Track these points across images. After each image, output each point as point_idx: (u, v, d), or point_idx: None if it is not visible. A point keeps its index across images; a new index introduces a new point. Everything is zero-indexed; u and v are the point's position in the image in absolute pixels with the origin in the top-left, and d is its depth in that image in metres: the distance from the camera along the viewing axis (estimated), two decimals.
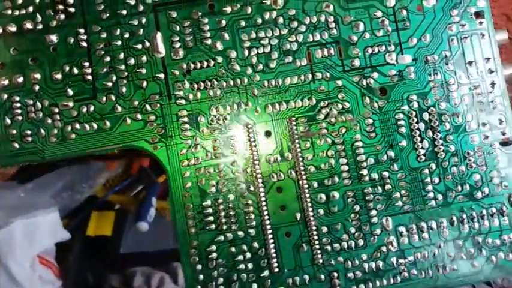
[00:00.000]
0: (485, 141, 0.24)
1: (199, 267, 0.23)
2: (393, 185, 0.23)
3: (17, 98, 0.23)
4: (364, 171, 0.23)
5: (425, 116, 0.24)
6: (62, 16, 0.23)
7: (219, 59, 0.23)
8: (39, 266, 0.54)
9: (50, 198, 0.56)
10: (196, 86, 0.23)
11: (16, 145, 0.23)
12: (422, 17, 0.24)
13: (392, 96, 0.24)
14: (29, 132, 0.23)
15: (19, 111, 0.23)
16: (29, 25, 0.23)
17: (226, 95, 0.23)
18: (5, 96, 0.23)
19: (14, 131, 0.23)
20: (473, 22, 0.24)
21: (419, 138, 0.24)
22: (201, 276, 0.23)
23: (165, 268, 0.74)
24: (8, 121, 0.23)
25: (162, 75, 0.23)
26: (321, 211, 0.23)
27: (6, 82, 0.23)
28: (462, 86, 0.24)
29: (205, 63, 0.23)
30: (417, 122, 0.24)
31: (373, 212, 0.23)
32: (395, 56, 0.24)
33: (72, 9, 0.23)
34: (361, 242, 0.23)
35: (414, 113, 0.24)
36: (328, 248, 0.23)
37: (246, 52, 0.24)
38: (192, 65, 0.23)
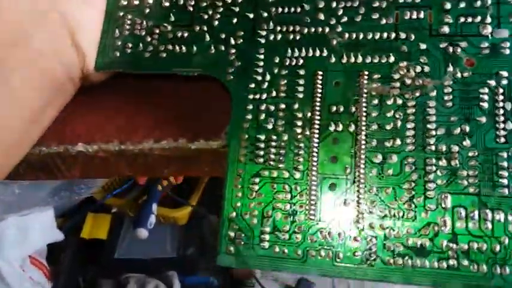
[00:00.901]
0: None
1: (239, 195, 0.23)
2: (461, 161, 0.21)
3: (129, 16, 0.27)
4: (432, 140, 0.22)
5: None
6: None
7: (306, 7, 0.25)
8: (30, 266, 0.51)
9: (46, 197, 0.54)
10: (279, 28, 0.25)
11: (117, 54, 0.27)
12: None
13: (480, 69, 0.22)
14: (130, 45, 0.27)
15: (128, 27, 0.27)
16: None
17: (304, 41, 0.24)
18: (121, 13, 0.27)
19: (119, 42, 0.27)
20: None
21: (502, 118, 0.21)
22: (239, 204, 0.23)
23: (160, 276, 0.71)
24: (117, 33, 0.27)
25: (251, 15, 0.25)
26: (374, 171, 0.22)
27: (125, 3, 0.27)
28: None
29: (293, 9, 0.25)
30: (503, 100, 0.21)
31: (431, 185, 0.21)
32: (491, 29, 0.22)
33: None
34: (410, 214, 0.21)
35: (502, 90, 0.21)
36: (372, 210, 0.22)
37: (334, 3, 0.24)
38: (280, 9, 0.25)
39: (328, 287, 0.81)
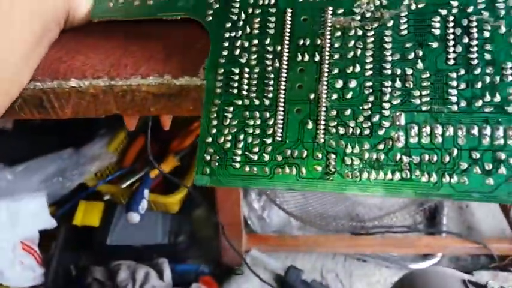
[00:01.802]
0: None
1: (214, 122, 0.25)
2: (415, 82, 0.23)
3: None
4: (388, 65, 0.23)
5: (464, 21, 0.23)
6: None
7: None
8: (21, 251, 0.52)
9: (38, 183, 0.55)
10: None
11: (111, 4, 0.29)
12: None
13: (432, 0, 0.24)
14: None
15: None
16: None
17: None
18: None
19: None
20: None
21: (452, 42, 0.23)
22: (214, 130, 0.25)
23: (151, 263, 0.71)
24: None
25: None
26: (335, 95, 0.24)
27: None
28: None
29: None
30: (453, 27, 0.23)
31: (387, 105, 0.23)
32: None
33: None
34: (366, 131, 0.23)
35: (452, 17, 0.23)
36: (333, 130, 0.23)
37: None
38: None
39: (316, 274, 0.82)
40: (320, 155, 0.23)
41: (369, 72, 0.24)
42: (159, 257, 0.76)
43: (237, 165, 0.24)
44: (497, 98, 0.22)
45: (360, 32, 0.24)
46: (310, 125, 0.24)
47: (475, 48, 0.22)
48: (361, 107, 0.23)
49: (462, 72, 0.22)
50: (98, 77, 0.28)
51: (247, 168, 0.24)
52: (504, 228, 0.78)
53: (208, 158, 0.25)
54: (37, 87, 0.28)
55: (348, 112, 0.24)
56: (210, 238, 0.87)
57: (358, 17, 0.25)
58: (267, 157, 0.24)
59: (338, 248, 0.84)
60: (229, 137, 0.25)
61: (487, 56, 0.22)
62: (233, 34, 0.26)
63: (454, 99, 0.22)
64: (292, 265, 0.82)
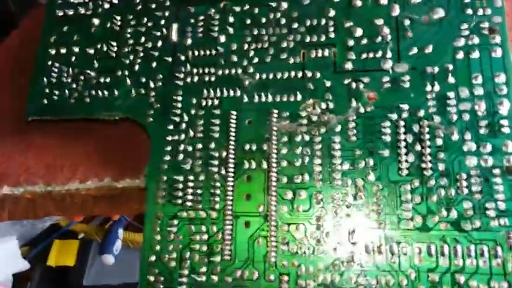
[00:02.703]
0: (484, 165, 0.21)
1: (158, 237, 0.23)
2: (366, 195, 0.22)
3: (57, 64, 0.28)
4: (337, 175, 0.22)
5: (415, 127, 0.22)
6: (106, 5, 0.28)
7: (220, 49, 0.25)
8: None
9: (8, 227, 0.53)
10: (195, 70, 0.25)
11: (45, 101, 0.27)
12: (427, 27, 0.23)
13: (381, 103, 0.22)
14: (56, 92, 0.27)
15: (55, 75, 0.28)
16: (82, 10, 0.28)
17: (219, 82, 0.25)
18: (50, 62, 0.28)
19: (47, 90, 0.27)
20: (486, 37, 0.22)
21: (404, 150, 0.22)
22: (158, 247, 0.23)
23: None
24: (45, 81, 0.28)
25: (170, 59, 0.26)
26: (285, 208, 0.22)
27: (53, 52, 0.28)
28: (463, 102, 0.21)
29: (208, 52, 0.26)
30: (405, 133, 0.22)
31: (340, 220, 0.21)
32: (392, 63, 0.23)
33: (115, 1, 0.28)
34: (320, 250, 0.21)
35: (403, 123, 0.22)
36: (284, 248, 0.22)
37: (246, 46, 0.25)
38: (196, 52, 0.26)
39: None
40: (272, 277, 0.22)
41: (319, 184, 0.22)
42: None
43: None
44: (454, 214, 0.20)
45: (307, 138, 0.23)
46: (260, 242, 0.22)
47: (428, 158, 0.21)
48: (313, 222, 0.22)
49: (416, 183, 0.21)
50: (34, 183, 0.26)
51: None
52: None
53: (152, 279, 0.23)
54: None
55: (300, 228, 0.22)
56: None
57: (305, 121, 0.23)
58: (215, 279, 0.22)
59: None
60: (174, 255, 0.23)
61: (440, 166, 0.21)
62: (176, 137, 0.25)
63: (408, 214, 0.21)
64: None
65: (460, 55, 0.22)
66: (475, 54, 0.22)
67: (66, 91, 0.27)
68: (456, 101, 0.22)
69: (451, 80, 0.22)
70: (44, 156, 0.27)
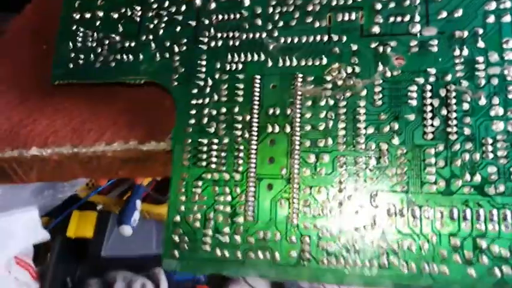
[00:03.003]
0: (511, 129, 0.20)
1: (183, 198, 0.24)
2: (390, 159, 0.22)
3: (81, 29, 0.28)
4: (361, 139, 0.22)
5: (442, 92, 0.21)
6: None
7: (245, 13, 0.25)
8: (16, 266, 0.50)
9: (29, 197, 0.53)
10: (219, 34, 0.25)
11: (71, 65, 0.28)
12: None
13: (408, 67, 0.22)
14: (82, 56, 0.28)
15: (80, 39, 0.28)
16: None
17: (243, 46, 0.25)
18: (74, 27, 0.28)
19: (72, 54, 0.28)
20: None
21: (430, 114, 0.21)
22: (182, 207, 0.24)
23: (147, 274, 0.70)
24: (71, 46, 0.28)
25: (193, 23, 0.26)
26: (308, 171, 0.23)
27: (77, 17, 0.28)
28: (493, 67, 0.21)
29: (232, 16, 0.25)
30: (431, 97, 0.22)
31: (362, 184, 0.22)
32: (420, 27, 0.22)
33: None
34: (342, 212, 0.22)
35: (429, 87, 0.22)
36: (307, 210, 0.22)
37: (270, 9, 0.25)
38: (221, 16, 0.26)
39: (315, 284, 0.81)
40: (294, 238, 0.22)
41: (342, 147, 0.22)
42: (155, 267, 0.75)
43: (208, 248, 0.23)
44: (478, 178, 0.20)
45: (331, 102, 0.23)
46: (282, 204, 0.23)
47: (454, 122, 0.21)
48: (335, 185, 0.22)
49: (441, 148, 0.21)
50: (61, 145, 0.27)
51: (218, 252, 0.23)
52: None
53: (177, 239, 0.23)
54: None
55: (322, 190, 0.22)
56: None
57: (330, 85, 0.23)
58: (238, 239, 0.23)
59: None
60: (199, 216, 0.24)
61: (466, 131, 0.21)
62: (200, 101, 0.25)
63: (432, 178, 0.21)
64: None
65: (491, 19, 0.22)
66: (507, 18, 0.21)
67: (92, 55, 0.27)
68: (485, 66, 0.21)
69: (481, 44, 0.21)
70: (71, 120, 0.27)
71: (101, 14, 0.28)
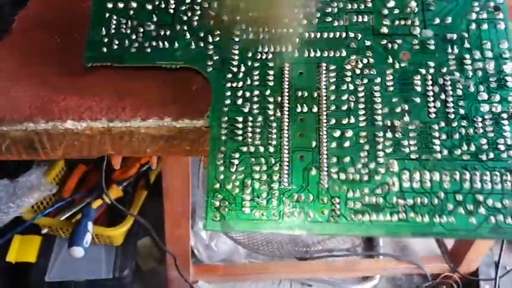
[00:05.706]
0: (494, 110, 0.26)
1: (221, 168, 0.26)
2: (403, 133, 0.26)
3: (115, 17, 0.30)
4: (378, 117, 0.27)
5: (440, 80, 0.27)
6: None
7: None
8: None
9: None
10: (250, 29, 0.29)
11: (104, 49, 0.29)
12: (446, 3, 0.28)
13: (413, 60, 0.28)
14: (116, 41, 0.30)
15: (114, 26, 0.30)
16: None
17: (273, 39, 0.29)
18: (107, 15, 0.30)
19: (106, 40, 0.30)
20: (492, 13, 0.28)
21: (432, 98, 0.27)
22: (221, 176, 0.26)
23: None
24: (104, 32, 0.30)
25: (226, 17, 0.29)
26: (334, 144, 0.26)
27: (110, 5, 0.31)
28: (477, 62, 0.27)
29: (262, 13, 0.29)
30: (432, 85, 0.27)
31: (381, 153, 0.26)
32: (419, 30, 0.28)
33: None
34: (365, 177, 0.26)
35: (430, 76, 0.27)
36: (335, 176, 0.26)
37: (296, 10, 0.29)
38: (251, 14, 0.29)
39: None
40: (325, 199, 0.25)
41: (362, 124, 0.27)
42: None
43: (247, 211, 0.26)
44: (473, 148, 0.26)
45: (351, 87, 0.27)
46: (313, 172, 0.26)
47: (451, 104, 0.26)
48: (358, 155, 0.26)
49: (442, 124, 0.26)
50: (96, 119, 0.28)
51: (256, 213, 0.26)
52: (434, 247, 0.86)
53: (217, 203, 0.26)
54: (29, 128, 0.27)
55: (347, 159, 0.26)
56: (155, 271, 0.84)
57: (349, 73, 0.28)
58: (275, 202, 0.26)
59: (284, 274, 0.87)
60: (237, 183, 0.26)
61: (461, 111, 0.26)
62: (234, 84, 0.28)
63: (437, 148, 0.26)
64: None
65: (473, 26, 0.28)
66: (484, 26, 0.28)
67: (126, 41, 0.30)
68: (471, 61, 0.27)
69: (467, 45, 0.28)
70: (103, 98, 0.29)
71: (134, 4, 0.30)
